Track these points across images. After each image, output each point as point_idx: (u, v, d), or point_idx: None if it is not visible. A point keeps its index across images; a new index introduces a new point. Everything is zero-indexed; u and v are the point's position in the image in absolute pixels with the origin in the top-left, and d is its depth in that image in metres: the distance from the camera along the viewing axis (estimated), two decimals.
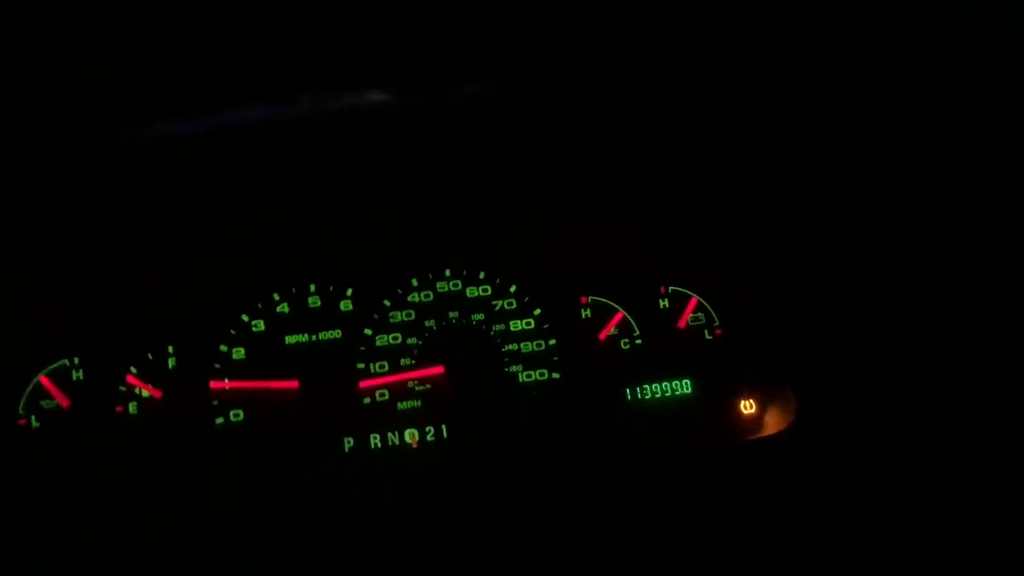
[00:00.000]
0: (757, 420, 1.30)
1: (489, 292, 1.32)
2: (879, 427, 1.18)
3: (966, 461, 1.18)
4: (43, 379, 1.22)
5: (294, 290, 1.29)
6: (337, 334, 1.27)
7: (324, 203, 1.27)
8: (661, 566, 1.15)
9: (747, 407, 1.31)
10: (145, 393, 1.22)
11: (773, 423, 1.29)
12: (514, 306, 1.32)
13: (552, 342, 1.31)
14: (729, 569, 1.14)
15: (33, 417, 1.20)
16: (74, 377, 1.23)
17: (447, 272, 1.32)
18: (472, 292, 1.31)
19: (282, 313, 1.28)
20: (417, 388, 1.26)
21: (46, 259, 1.21)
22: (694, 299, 1.34)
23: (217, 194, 1.21)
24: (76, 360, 1.23)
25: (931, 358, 1.23)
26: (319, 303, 1.29)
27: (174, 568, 1.07)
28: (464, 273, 1.32)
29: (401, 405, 1.25)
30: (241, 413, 1.23)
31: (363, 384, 1.25)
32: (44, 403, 1.21)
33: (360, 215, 1.29)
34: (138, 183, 1.16)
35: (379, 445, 1.23)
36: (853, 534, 1.15)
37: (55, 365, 1.23)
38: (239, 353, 1.25)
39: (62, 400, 1.21)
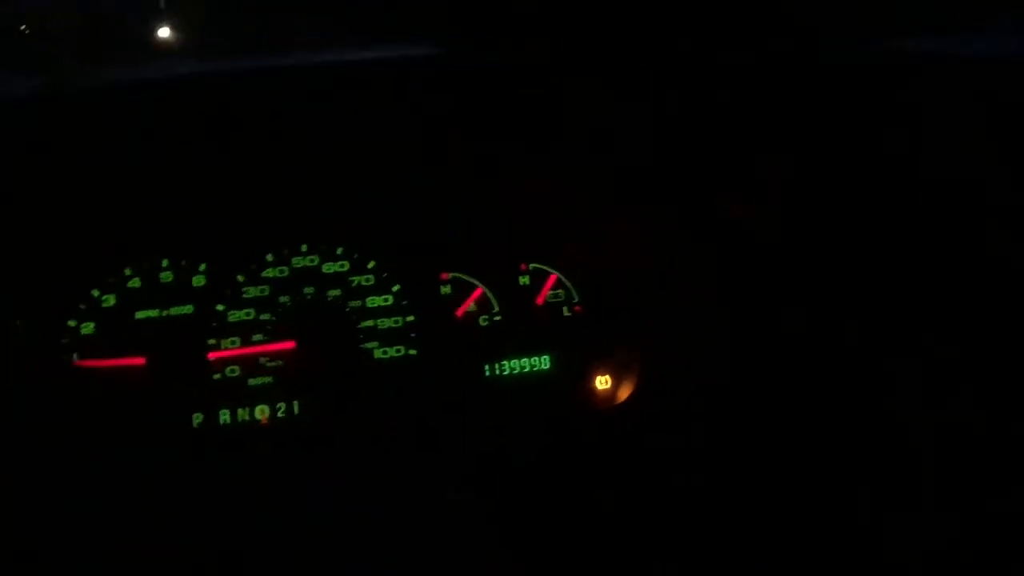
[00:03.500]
0: (611, 394, 1.32)
1: (347, 268, 1.31)
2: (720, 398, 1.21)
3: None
4: None
5: (146, 264, 1.27)
6: (189, 309, 1.26)
7: (177, 172, 1.25)
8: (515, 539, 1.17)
9: (602, 382, 1.32)
10: None
11: (624, 398, 1.31)
12: (372, 282, 1.31)
13: (410, 318, 1.31)
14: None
15: None
16: None
17: (303, 247, 1.30)
18: (329, 268, 1.30)
19: (133, 288, 1.26)
20: (268, 364, 1.26)
21: None
22: (553, 276, 1.35)
23: (67, 159, 1.20)
24: None
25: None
26: (171, 278, 1.27)
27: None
28: (321, 248, 1.31)
29: (252, 381, 1.25)
30: (93, 387, 1.22)
31: (212, 356, 1.24)
32: None
33: (215, 186, 1.27)
34: None
35: (228, 421, 1.23)
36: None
37: None
38: (88, 328, 1.24)
39: None
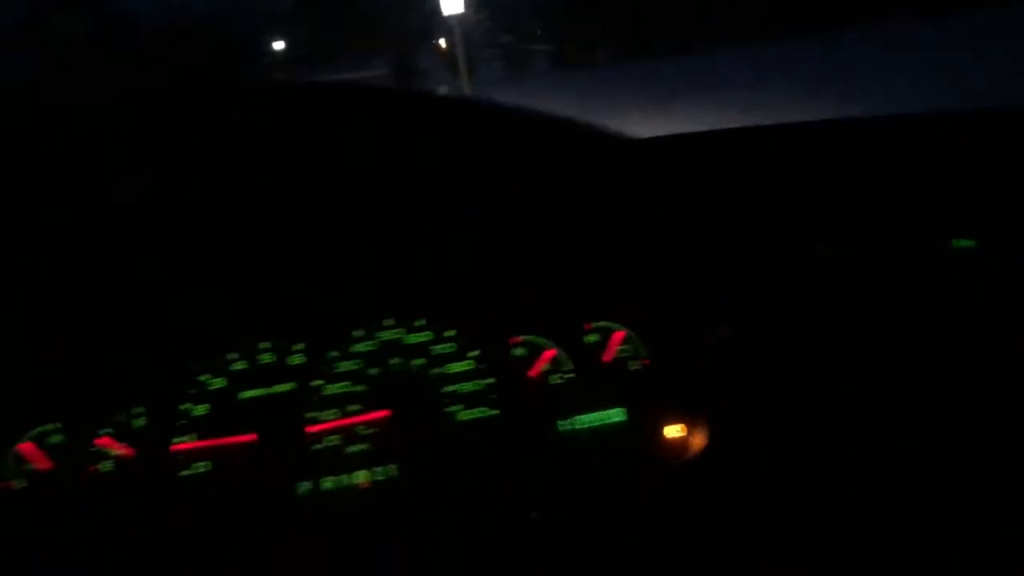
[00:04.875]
0: (683, 445, 1.40)
1: (429, 337, 1.42)
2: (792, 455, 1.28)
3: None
4: (25, 445, 1.34)
5: (249, 348, 1.40)
6: (290, 386, 1.38)
7: (269, 264, 1.39)
8: None
9: (673, 432, 1.41)
10: (117, 452, 1.34)
11: (698, 447, 1.39)
12: (453, 349, 1.42)
13: (489, 381, 1.41)
14: None
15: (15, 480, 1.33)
16: (53, 441, 1.35)
17: (389, 322, 1.42)
18: (413, 339, 1.42)
19: (238, 370, 1.39)
20: (365, 432, 1.37)
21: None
22: (620, 332, 1.44)
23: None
24: (54, 426, 1.35)
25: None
26: (273, 359, 1.40)
27: None
28: (405, 321, 1.42)
29: (350, 449, 1.36)
30: (207, 465, 1.34)
31: (311, 430, 1.36)
32: (26, 467, 1.33)
33: (305, 272, 1.41)
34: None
35: (331, 487, 1.34)
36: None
37: (35, 431, 1.35)
38: (201, 410, 1.37)
39: (43, 463, 1.33)
